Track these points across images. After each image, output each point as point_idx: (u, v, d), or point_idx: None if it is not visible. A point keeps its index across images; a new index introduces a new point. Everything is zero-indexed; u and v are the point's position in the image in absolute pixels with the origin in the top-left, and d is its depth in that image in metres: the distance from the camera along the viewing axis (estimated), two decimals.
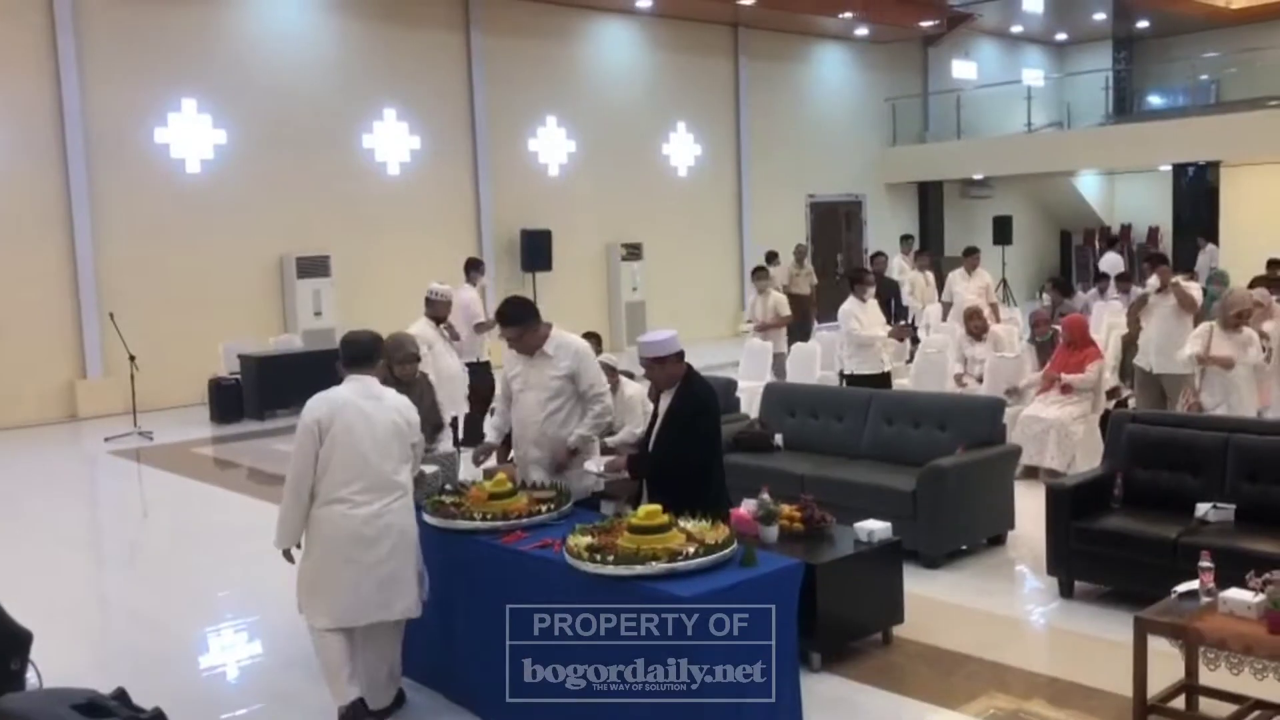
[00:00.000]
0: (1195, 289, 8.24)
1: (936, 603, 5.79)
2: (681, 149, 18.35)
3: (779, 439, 7.54)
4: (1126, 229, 23.66)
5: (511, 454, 5.61)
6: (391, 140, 15.07)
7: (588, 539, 4.23)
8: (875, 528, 5.23)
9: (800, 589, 4.22)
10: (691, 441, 4.86)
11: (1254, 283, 11.58)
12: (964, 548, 6.65)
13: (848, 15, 18.81)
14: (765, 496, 5.34)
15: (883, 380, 9.29)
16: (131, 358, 11.47)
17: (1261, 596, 3.91)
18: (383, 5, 14.89)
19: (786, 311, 11.44)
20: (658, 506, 4.28)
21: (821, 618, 4.84)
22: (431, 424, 5.57)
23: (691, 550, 4.05)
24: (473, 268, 11.14)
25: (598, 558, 4.04)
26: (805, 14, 18.56)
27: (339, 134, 14.62)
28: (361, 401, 4.40)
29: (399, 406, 4.50)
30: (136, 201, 13.15)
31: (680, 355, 4.93)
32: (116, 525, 9.11)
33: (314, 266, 14.07)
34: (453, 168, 15.70)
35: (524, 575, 4.40)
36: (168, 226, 13.33)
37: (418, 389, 5.64)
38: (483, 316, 10.53)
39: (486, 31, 15.77)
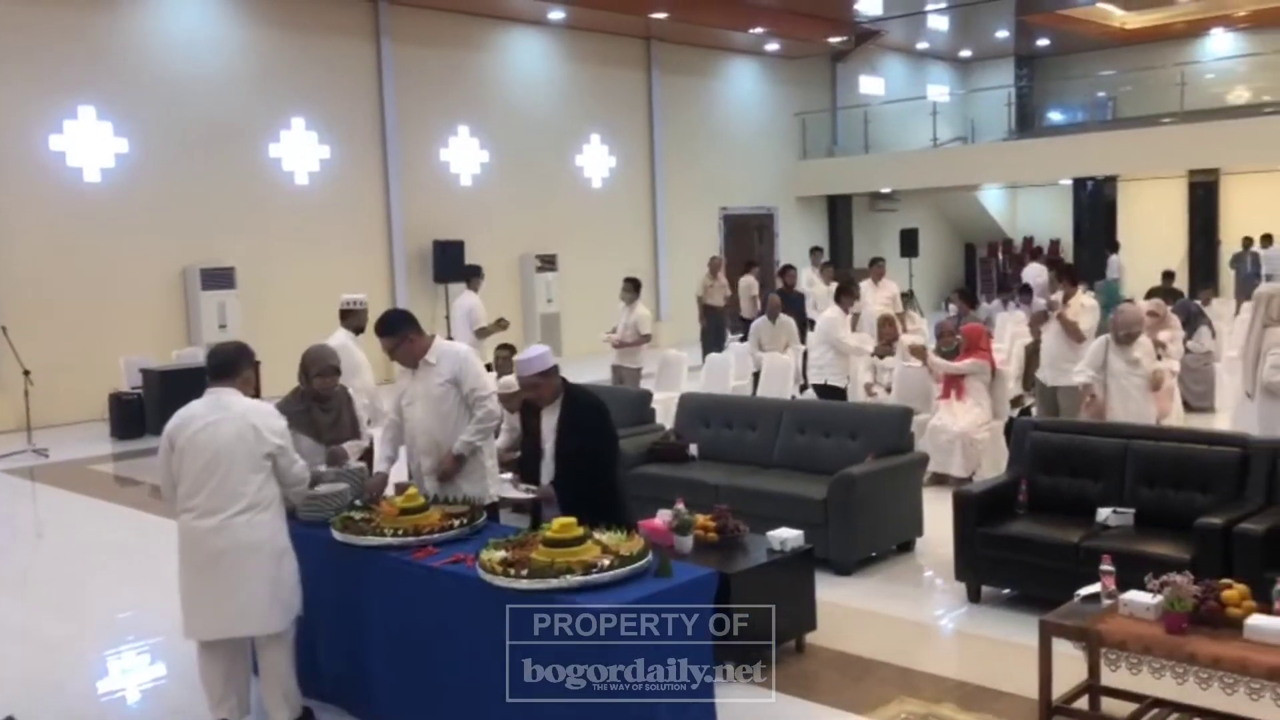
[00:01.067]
0: (1088, 311, 8.42)
1: (848, 609, 5.86)
2: (595, 160, 18.38)
3: (694, 449, 7.56)
4: (1029, 241, 24.31)
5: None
6: (300, 149, 14.82)
7: (501, 553, 4.18)
8: (788, 536, 5.28)
9: (715, 598, 4.25)
10: (607, 451, 4.91)
11: (1150, 293, 12.00)
12: (875, 554, 6.74)
13: (758, 30, 19.06)
14: (680, 507, 5.37)
15: (845, 393, 9.46)
16: (26, 372, 11.07)
17: (1159, 598, 4.03)
18: (291, 13, 14.65)
19: (647, 329, 10.91)
20: (572, 519, 4.26)
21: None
22: (348, 438, 5.47)
23: (607, 562, 4.03)
24: (473, 274, 11.36)
25: (511, 572, 4.01)
26: (716, 28, 18.75)
27: (245, 143, 14.33)
28: (209, 413, 4.36)
29: (250, 416, 4.40)
30: (30, 210, 12.71)
31: (555, 369, 4.98)
32: (8, 546, 8.75)
33: (219, 278, 13.74)
34: (363, 177, 15.49)
35: (436, 591, 4.34)
36: (65, 237, 12.91)
37: (335, 402, 5.54)
38: (484, 322, 10.57)
39: (397, 40, 15.61)
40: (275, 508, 4.45)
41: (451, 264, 15.61)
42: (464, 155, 16.56)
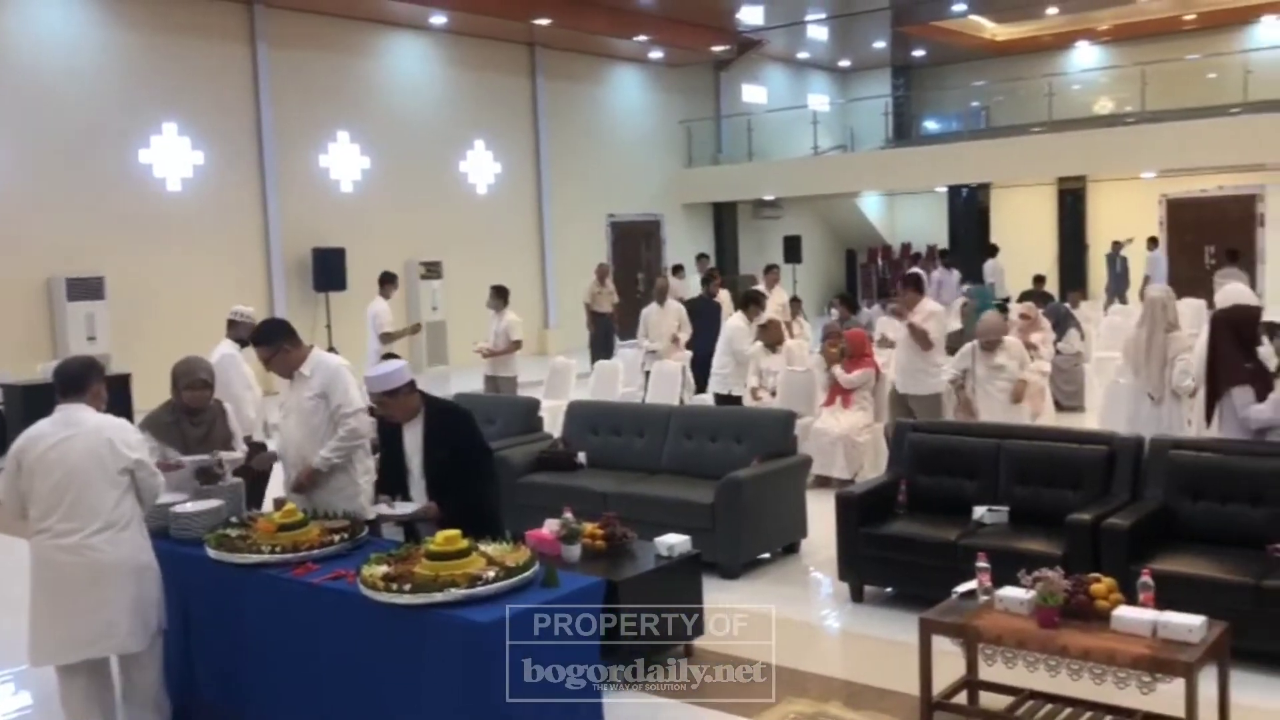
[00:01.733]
0: (935, 318, 8.59)
1: (736, 612, 5.90)
2: (480, 167, 18.22)
3: (582, 457, 7.55)
4: (906, 247, 24.95)
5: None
6: (172, 155, 14.33)
7: (383, 568, 4.11)
8: (675, 542, 5.30)
9: (602, 605, 4.24)
10: (481, 457, 4.89)
11: (1022, 297, 12.43)
12: (763, 556, 6.82)
13: (642, 38, 19.16)
14: (568, 516, 5.35)
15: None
16: None
17: (1032, 593, 4.15)
18: (161, 15, 14.16)
19: (517, 335, 10.73)
20: (457, 531, 4.21)
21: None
22: (221, 453, 5.30)
23: (492, 574, 3.99)
24: (386, 281, 11.31)
25: (394, 587, 3.93)
26: (600, 35, 18.79)
27: (114, 148, 13.80)
28: (58, 431, 4.23)
29: (104, 431, 4.27)
30: None
31: (412, 385, 4.89)
32: None
33: (87, 288, 13.18)
34: (239, 184, 15.07)
35: (317, 609, 4.24)
36: None
37: (208, 416, 5.37)
38: (389, 328, 10.71)
39: (273, 45, 15.24)
40: (136, 524, 4.31)
41: (332, 272, 15.29)
42: (344, 161, 16.24)
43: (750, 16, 20.28)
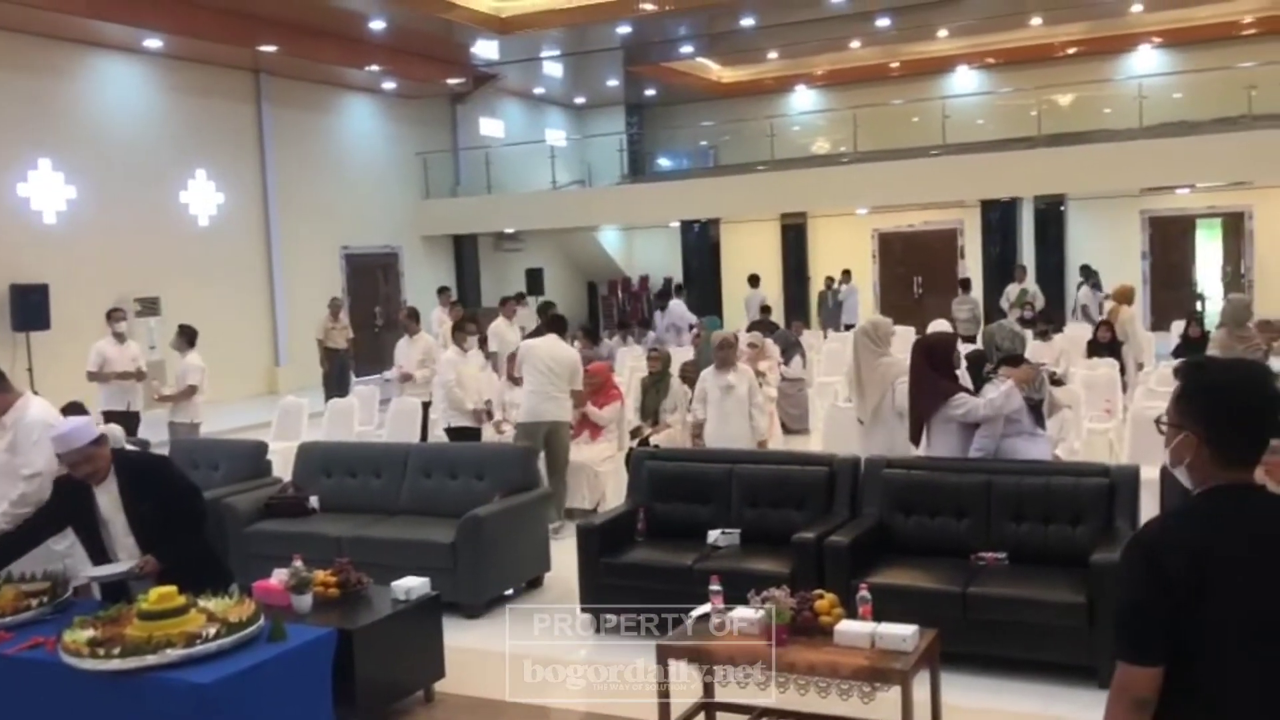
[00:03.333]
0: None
1: (478, 652, 5.81)
2: (202, 197, 17.27)
3: (314, 501, 7.26)
4: (645, 279, 25.61)
5: None
6: None
7: (89, 632, 3.79)
8: (413, 585, 5.17)
9: (337, 656, 4.09)
10: (191, 502, 4.62)
11: (751, 327, 13.01)
12: (507, 593, 6.76)
13: (374, 68, 18.81)
14: (298, 564, 5.11)
15: (479, 433, 9.32)
16: None
17: (762, 613, 4.31)
18: None
19: (194, 380, 10.15)
20: (173, 588, 3.94)
21: (360, 683, 4.69)
22: None
23: (213, 631, 3.75)
24: (109, 316, 10.76)
25: (100, 652, 3.63)
26: (329, 64, 18.30)
27: None
28: None
29: None
30: None
31: (101, 439, 4.55)
32: None
33: None
34: None
35: (17, 683, 3.85)
36: None
37: None
38: (93, 367, 10.21)
39: None
40: None
41: (32, 310, 14.05)
42: (46, 191, 14.99)
43: (485, 51, 20.32)
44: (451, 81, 21.04)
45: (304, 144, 19.02)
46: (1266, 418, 2.23)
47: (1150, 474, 5.59)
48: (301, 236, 18.70)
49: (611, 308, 25.33)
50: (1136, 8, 19.45)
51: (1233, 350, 8.44)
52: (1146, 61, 21.66)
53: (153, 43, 15.87)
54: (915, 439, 6.43)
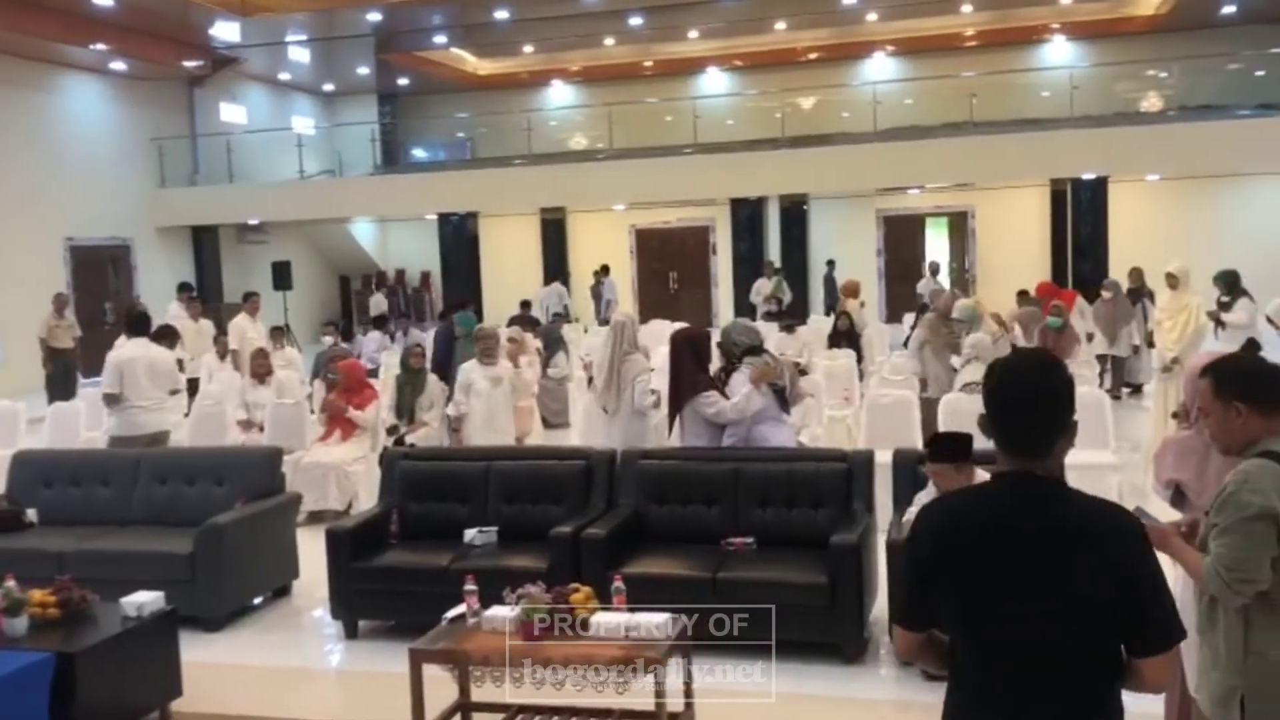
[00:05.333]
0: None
1: (219, 667, 5.51)
2: None
3: (32, 514, 6.67)
4: (401, 273, 25.04)
5: None
6: None
7: None
8: (145, 600, 4.83)
9: (58, 681, 3.76)
10: None
11: (510, 322, 12.96)
12: (256, 602, 6.44)
13: (100, 47, 17.48)
14: (10, 585, 4.67)
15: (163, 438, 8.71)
16: None
17: (517, 610, 4.27)
18: None
19: None
20: None
21: (83, 708, 4.33)
22: None
23: None
24: None
25: None
26: (48, 41, 16.85)
27: None
28: None
29: None
30: None
31: None
32: None
33: None
34: None
35: None
36: None
37: None
38: None
39: None
40: None
41: None
42: None
43: (225, 33, 19.27)
44: (188, 64, 19.86)
45: (18, 125, 17.46)
46: (1024, 411, 2.30)
47: (884, 458, 5.93)
48: (18, 226, 17.16)
49: (366, 301, 24.61)
50: (871, 16, 20.61)
51: (938, 335, 9.31)
52: (881, 69, 23.02)
53: None
54: (670, 428, 6.56)
